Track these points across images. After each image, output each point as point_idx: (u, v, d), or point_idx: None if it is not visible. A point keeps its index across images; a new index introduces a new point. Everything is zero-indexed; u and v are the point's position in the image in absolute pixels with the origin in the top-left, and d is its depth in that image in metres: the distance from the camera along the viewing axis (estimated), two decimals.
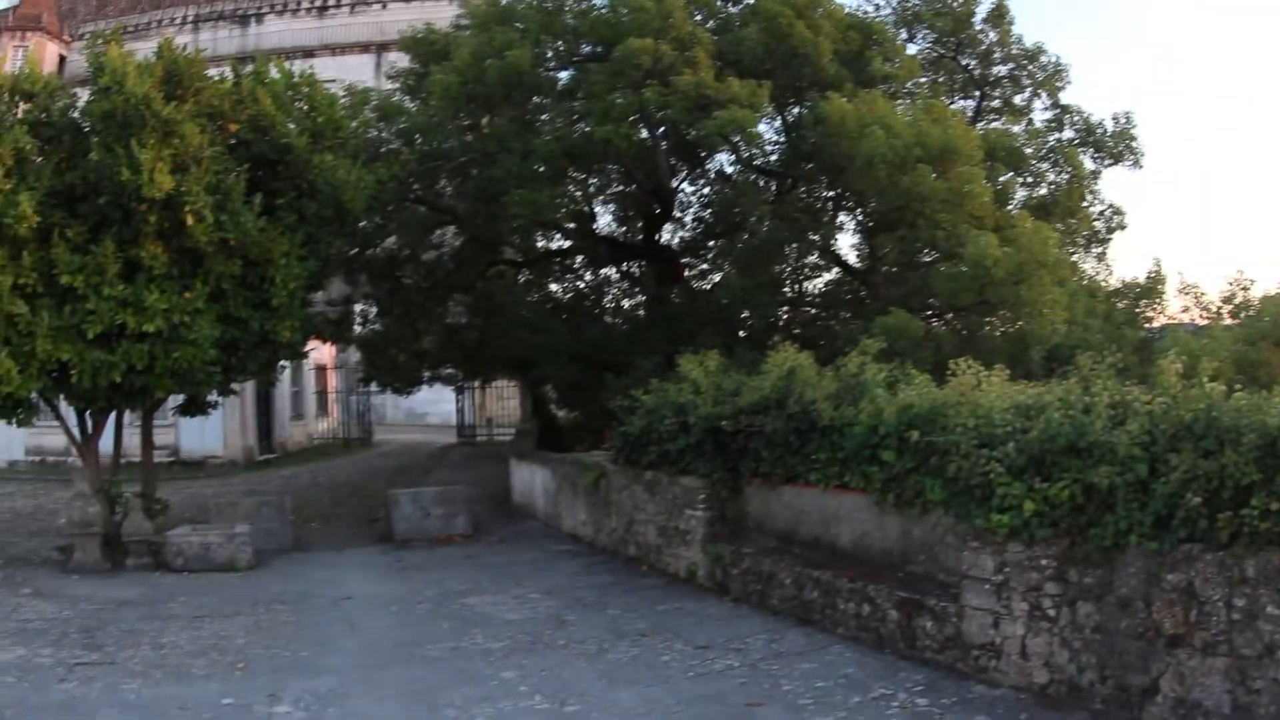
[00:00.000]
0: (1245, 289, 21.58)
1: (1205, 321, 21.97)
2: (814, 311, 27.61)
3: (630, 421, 19.86)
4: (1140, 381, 11.99)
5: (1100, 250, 29.72)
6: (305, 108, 23.27)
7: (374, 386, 39.31)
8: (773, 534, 16.70)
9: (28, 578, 20.51)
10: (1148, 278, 25.45)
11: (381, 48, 47.52)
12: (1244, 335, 20.55)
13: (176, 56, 21.40)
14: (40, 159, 20.64)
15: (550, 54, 26.70)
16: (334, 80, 25.83)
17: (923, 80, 28.33)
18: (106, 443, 23.38)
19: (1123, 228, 29.65)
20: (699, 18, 26.03)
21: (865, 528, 14.50)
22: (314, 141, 22.40)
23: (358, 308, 32.26)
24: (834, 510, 15.19)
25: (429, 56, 28.27)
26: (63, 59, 50.92)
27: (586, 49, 26.41)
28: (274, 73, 22.99)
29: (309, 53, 46.09)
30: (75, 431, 22.82)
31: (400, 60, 32.73)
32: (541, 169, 24.90)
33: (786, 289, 26.17)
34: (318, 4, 50.61)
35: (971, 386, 13.18)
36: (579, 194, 29.05)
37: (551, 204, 25.08)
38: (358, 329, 32.29)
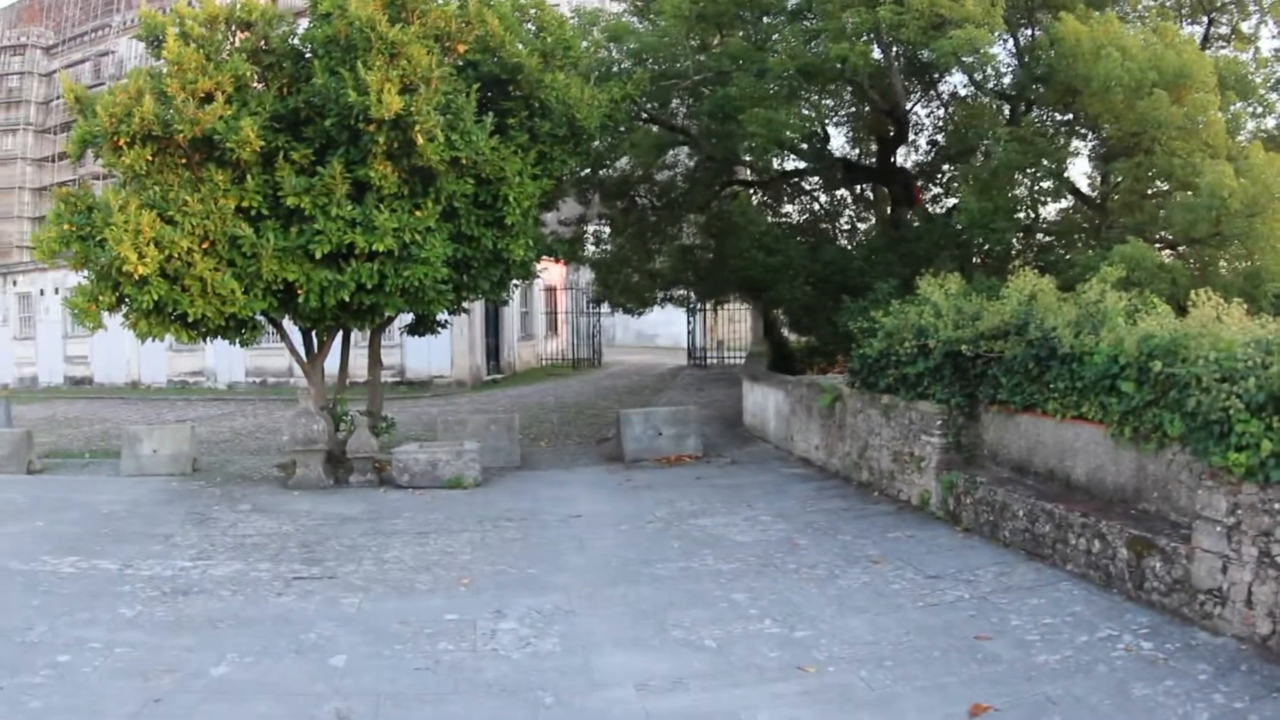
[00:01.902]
0: None
1: None
2: (1048, 239, 27.60)
3: (868, 343, 20.18)
4: None
5: None
6: (534, 29, 23.92)
7: (603, 307, 40.10)
8: (1007, 464, 16.94)
9: (247, 494, 21.68)
10: None
11: None
12: None
13: None
14: (261, 85, 21.65)
15: None
16: (558, 3, 26.30)
17: (1151, 4, 27.92)
18: (331, 363, 24.38)
19: None
20: None
21: (1099, 461, 14.57)
22: (544, 61, 23.01)
23: (590, 228, 32.91)
24: (1069, 442, 15.31)
25: None
26: None
27: None
28: None
29: None
30: (300, 351, 23.90)
31: None
32: (775, 88, 25.31)
33: (1021, 215, 26.14)
34: None
35: (1212, 319, 13.09)
36: (813, 114, 29.26)
37: (788, 123, 25.29)
38: (590, 249, 32.93)
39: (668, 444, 25.53)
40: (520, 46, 22.93)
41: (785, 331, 36.01)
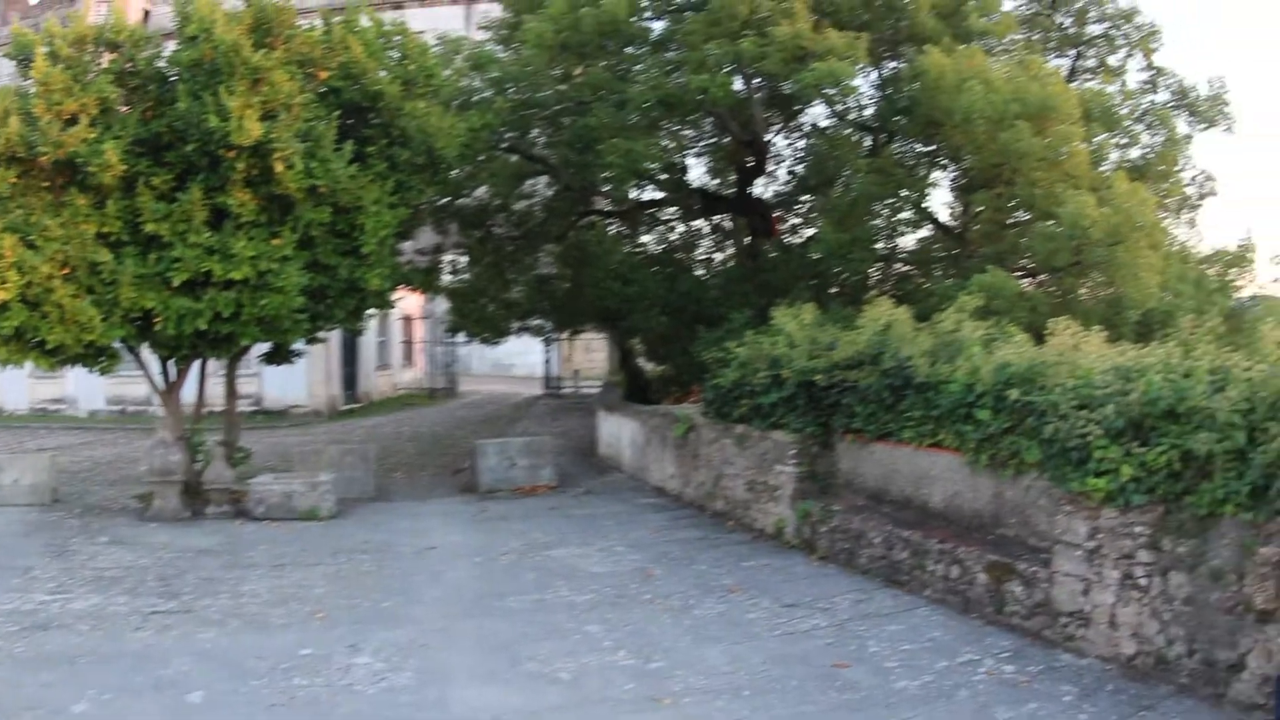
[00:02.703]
0: None
1: None
2: (906, 268, 27.63)
3: (722, 374, 19.93)
4: (1230, 349, 11.90)
5: (1191, 216, 29.76)
6: (397, 56, 23.41)
7: (460, 337, 39.70)
8: (863, 492, 16.75)
9: (105, 526, 20.96)
10: (1238, 246, 25.36)
11: None
12: None
13: (265, 5, 21.58)
14: (126, 108, 20.89)
15: (646, 2, 26.78)
16: (424, 31, 25.92)
17: (1018, 37, 28.27)
18: (189, 391, 23.68)
19: (1213, 194, 29.67)
20: None
21: (957, 488, 14.48)
22: (406, 89, 22.61)
23: (447, 257, 32.47)
24: (926, 469, 15.20)
25: (522, 6, 28.23)
26: (146, 13, 50.87)
27: None
28: (365, 21, 23.08)
29: (398, 4, 45.73)
30: (158, 379, 23.11)
31: (492, 10, 32.84)
32: (636, 119, 25.09)
33: (879, 245, 26.16)
34: None
35: (1070, 347, 13.20)
36: (672, 145, 29.15)
37: (647, 154, 25.10)
38: (447, 278, 32.45)
39: (522, 474, 25.15)
40: (382, 74, 22.50)
41: (641, 361, 35.83)
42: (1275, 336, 11.18)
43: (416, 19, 34.32)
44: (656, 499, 23.02)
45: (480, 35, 31.11)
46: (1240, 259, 25.05)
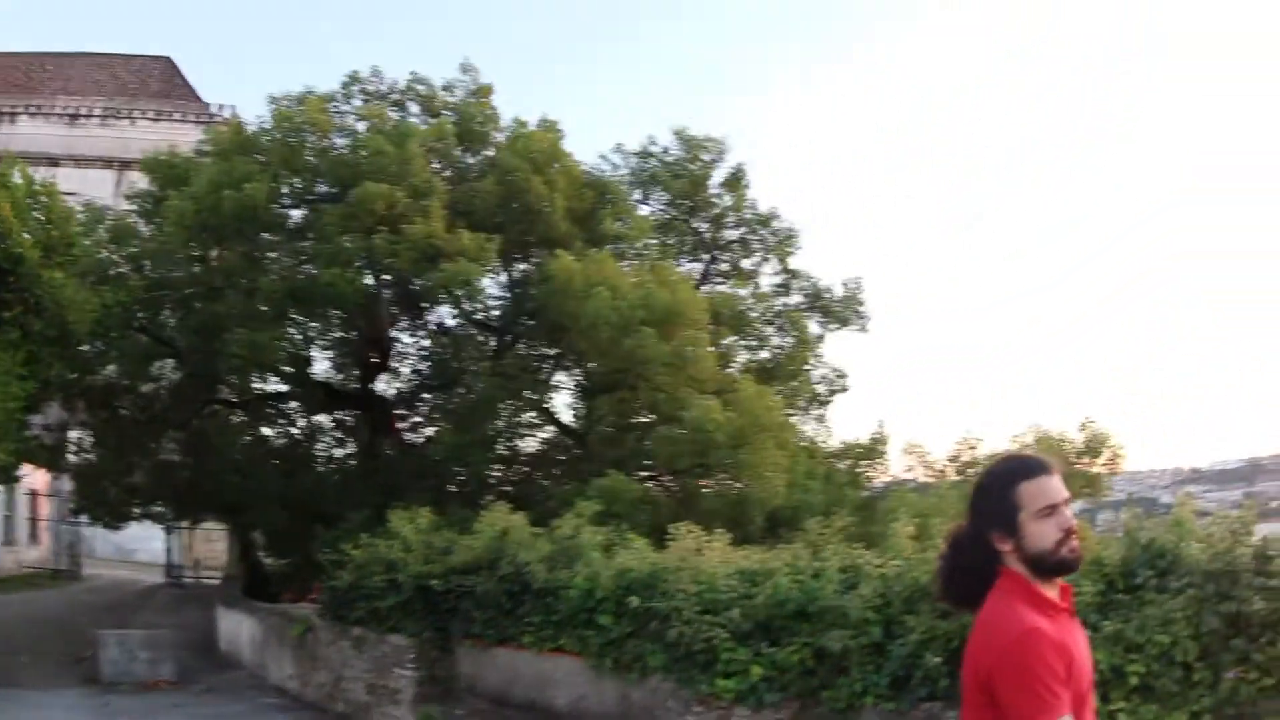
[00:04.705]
0: (973, 447, 21.89)
1: (930, 480, 22.28)
2: (527, 469, 27.48)
3: (338, 576, 19.29)
4: (863, 540, 12.35)
5: (821, 412, 30.33)
6: (42, 219, 22.37)
7: (85, 517, 37.92)
8: (486, 696, 16.17)
9: None
10: (870, 438, 25.97)
11: (124, 165, 45.81)
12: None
13: None
14: None
15: (287, 190, 26.18)
16: (74, 193, 24.91)
17: (653, 241, 28.49)
18: None
19: (845, 390, 30.35)
20: (437, 165, 25.86)
21: (582, 691, 14.10)
22: (46, 255, 21.49)
23: (74, 434, 30.94)
24: (549, 673, 14.80)
25: (168, 180, 27.30)
26: None
27: (323, 188, 26.02)
28: (17, 177, 22.06)
29: (54, 161, 44.26)
30: None
31: (141, 180, 31.58)
32: (264, 308, 24.47)
33: (500, 447, 25.99)
34: (70, 111, 49.19)
35: (693, 551, 13.09)
36: (299, 337, 28.45)
37: (271, 346, 24.57)
38: (72, 457, 30.87)
39: (144, 668, 23.79)
40: (26, 236, 21.39)
41: (262, 554, 34.60)
42: (908, 531, 11.38)
43: (70, 179, 33.49)
44: (278, 699, 21.92)
45: (127, 205, 29.92)
46: (872, 451, 25.65)
